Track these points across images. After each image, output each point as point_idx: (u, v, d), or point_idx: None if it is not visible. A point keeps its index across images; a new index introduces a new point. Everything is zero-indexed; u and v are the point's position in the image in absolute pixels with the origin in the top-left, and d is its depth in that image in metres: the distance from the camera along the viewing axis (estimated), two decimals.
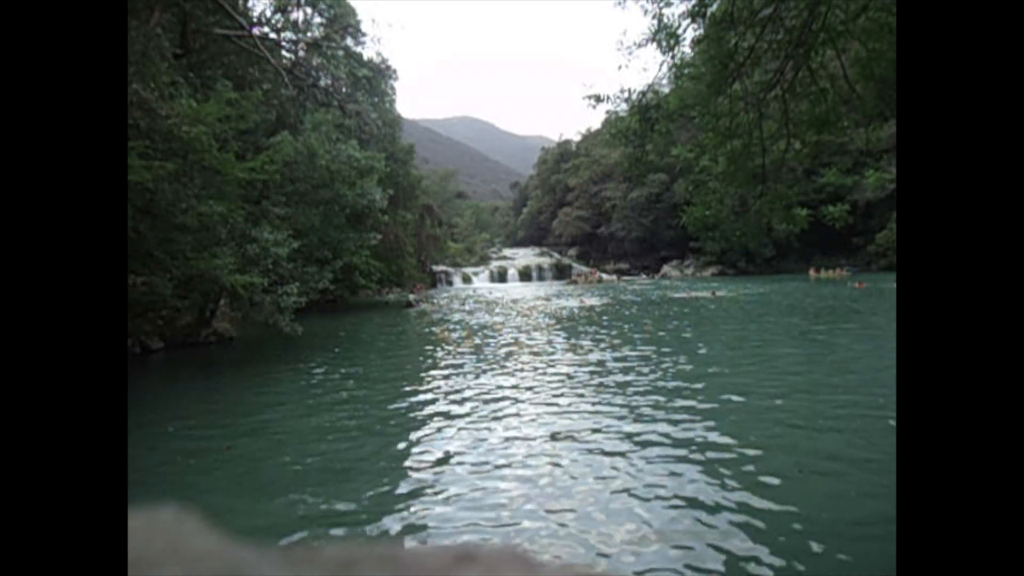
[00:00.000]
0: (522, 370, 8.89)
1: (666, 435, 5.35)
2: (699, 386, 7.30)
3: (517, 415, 6.28)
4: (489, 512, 3.91)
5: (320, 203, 14.43)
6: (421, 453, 5.22)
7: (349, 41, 20.60)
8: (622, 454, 4.91)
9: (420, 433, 5.82)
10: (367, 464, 5.04)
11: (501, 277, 46.47)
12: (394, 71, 26.51)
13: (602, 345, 11.14)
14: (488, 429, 5.78)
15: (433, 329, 15.62)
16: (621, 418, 5.98)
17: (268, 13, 18.60)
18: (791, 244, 39.78)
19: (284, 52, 18.46)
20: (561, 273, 48.18)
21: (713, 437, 5.25)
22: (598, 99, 7.64)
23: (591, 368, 8.80)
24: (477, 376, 8.55)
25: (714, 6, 6.93)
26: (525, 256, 54.36)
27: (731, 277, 40.64)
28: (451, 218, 52.90)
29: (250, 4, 18.11)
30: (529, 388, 7.58)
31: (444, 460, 4.97)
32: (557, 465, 4.70)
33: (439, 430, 5.85)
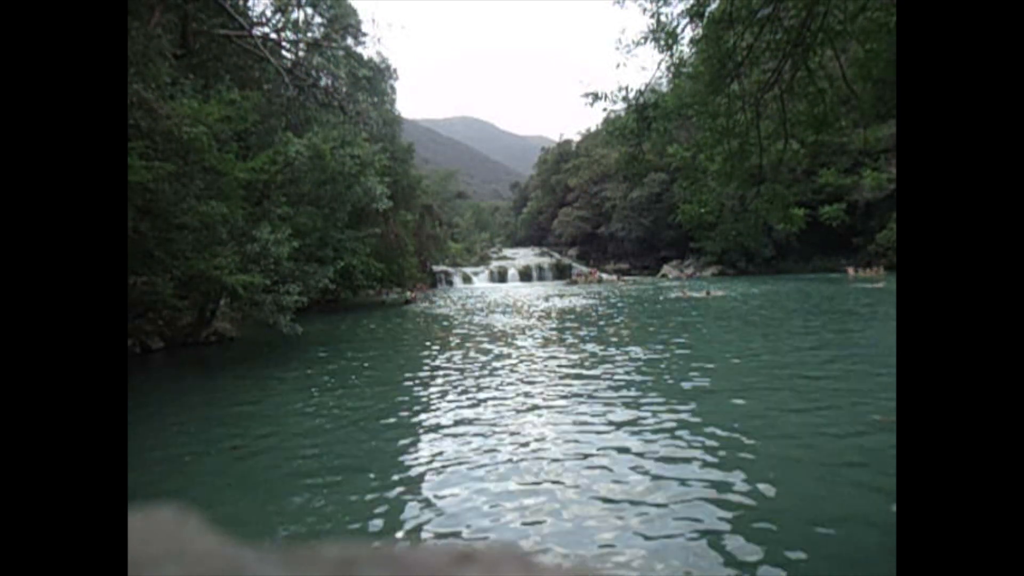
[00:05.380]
0: (521, 370, 8.89)
1: (668, 434, 5.35)
2: (704, 385, 7.30)
3: (516, 414, 6.28)
4: (489, 512, 3.91)
5: (323, 203, 14.44)
6: (421, 452, 5.22)
7: (349, 41, 20.58)
8: (624, 452, 4.90)
9: (420, 432, 5.83)
10: (367, 463, 5.04)
11: (501, 277, 46.45)
12: (394, 71, 26.49)
13: (602, 345, 11.14)
14: (488, 429, 5.78)
15: (432, 328, 15.62)
16: (622, 416, 5.97)
17: (268, 13, 18.58)
18: (791, 244, 39.76)
19: (284, 52, 18.44)
20: (561, 273, 48.14)
21: (719, 436, 5.25)
22: (595, 97, 7.64)
23: (591, 368, 8.80)
24: (476, 375, 8.55)
25: (712, 5, 6.93)
26: (525, 256, 54.32)
27: (731, 277, 40.63)
28: (451, 218, 52.86)
29: (250, 4, 18.10)
30: (528, 388, 7.58)
31: (444, 459, 4.97)
32: (557, 465, 4.70)
33: (439, 429, 5.86)
